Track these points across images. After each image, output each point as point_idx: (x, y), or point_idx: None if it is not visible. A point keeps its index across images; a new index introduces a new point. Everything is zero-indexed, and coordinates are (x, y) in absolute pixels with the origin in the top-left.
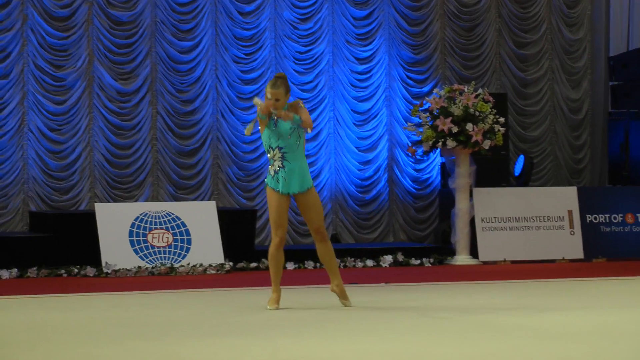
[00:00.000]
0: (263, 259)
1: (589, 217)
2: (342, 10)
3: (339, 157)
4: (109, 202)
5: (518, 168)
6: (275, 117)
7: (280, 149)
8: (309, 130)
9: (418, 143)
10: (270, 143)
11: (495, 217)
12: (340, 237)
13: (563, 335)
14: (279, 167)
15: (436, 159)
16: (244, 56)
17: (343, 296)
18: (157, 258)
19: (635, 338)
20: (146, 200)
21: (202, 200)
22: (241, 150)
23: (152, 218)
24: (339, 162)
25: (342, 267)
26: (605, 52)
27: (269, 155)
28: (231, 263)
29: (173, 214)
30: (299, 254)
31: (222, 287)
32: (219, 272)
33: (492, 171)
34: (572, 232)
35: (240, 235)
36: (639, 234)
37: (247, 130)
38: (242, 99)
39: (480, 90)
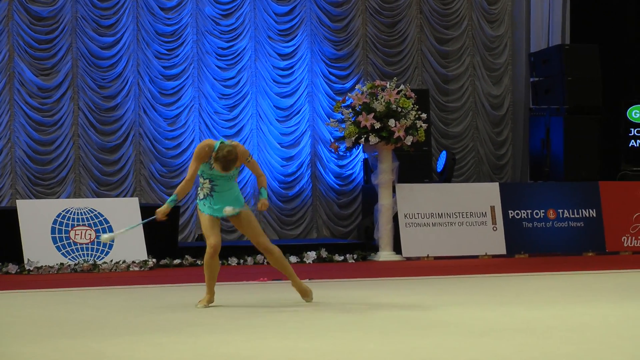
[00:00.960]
0: (186, 256)
1: (511, 213)
2: (264, 6)
3: (261, 153)
4: (30, 198)
5: (440, 164)
6: (212, 163)
7: (211, 181)
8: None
9: (341, 139)
10: (203, 174)
11: (418, 213)
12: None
13: (487, 331)
14: (207, 194)
15: (359, 155)
16: (166, 52)
17: (303, 293)
18: (79, 255)
19: (559, 333)
20: (68, 197)
21: (124, 196)
22: (164, 147)
23: (74, 215)
24: (262, 159)
25: (265, 263)
26: (526, 49)
27: (200, 180)
28: (154, 260)
29: (95, 211)
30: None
31: (145, 284)
32: (142, 268)
33: (415, 167)
34: (495, 228)
35: (163, 231)
36: (561, 230)
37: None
38: (164, 95)
39: (402, 87)
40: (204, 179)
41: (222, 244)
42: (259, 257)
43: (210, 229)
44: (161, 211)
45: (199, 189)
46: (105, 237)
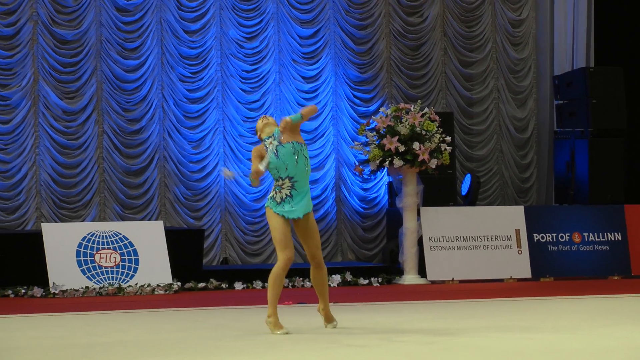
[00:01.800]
0: (211, 279)
1: (536, 236)
2: (288, 29)
3: None
4: (55, 221)
5: (465, 187)
6: (275, 148)
7: (290, 178)
8: (315, 109)
9: (365, 162)
10: (280, 174)
11: (442, 237)
12: None
13: (512, 355)
14: (286, 195)
15: (383, 178)
16: (190, 75)
17: (327, 319)
18: (104, 278)
19: (584, 357)
20: (93, 220)
21: (149, 219)
22: (188, 170)
23: (99, 238)
24: None
25: (290, 286)
26: (550, 71)
27: (276, 182)
28: (179, 283)
29: (120, 234)
30: (248, 273)
31: (170, 308)
32: (167, 292)
33: (439, 190)
34: (520, 252)
35: (188, 255)
36: (586, 253)
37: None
38: (189, 118)
39: (426, 109)
40: (282, 179)
41: (246, 267)
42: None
43: (284, 238)
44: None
45: (275, 192)
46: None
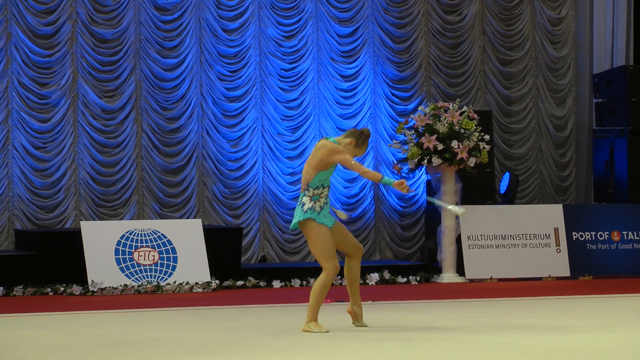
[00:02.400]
0: (249, 277)
1: (575, 235)
2: (327, 27)
3: None
4: (94, 220)
5: (504, 185)
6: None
7: (328, 188)
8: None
9: (403, 160)
10: (325, 183)
11: (481, 235)
12: None
13: (550, 353)
14: (324, 203)
15: (422, 176)
16: (229, 73)
17: (357, 317)
18: (143, 276)
19: (622, 356)
20: (132, 218)
21: (187, 218)
22: (226, 168)
23: (138, 236)
24: None
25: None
26: (590, 70)
27: (315, 191)
28: (217, 281)
29: (159, 232)
30: (286, 271)
31: (208, 305)
32: (206, 290)
33: (478, 189)
34: (559, 250)
35: (227, 253)
36: (625, 252)
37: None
38: (227, 117)
39: (465, 108)
40: (324, 188)
41: (284, 265)
42: None
43: (333, 248)
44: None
45: (313, 202)
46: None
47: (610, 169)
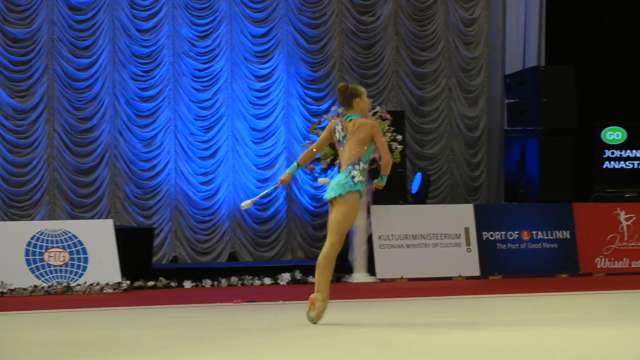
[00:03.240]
0: (161, 277)
1: (485, 235)
2: (241, 27)
3: (237, 174)
4: (4, 220)
5: (415, 186)
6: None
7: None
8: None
9: (316, 161)
10: (369, 158)
11: (392, 235)
12: (239, 255)
13: (461, 352)
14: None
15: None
16: (142, 73)
17: (317, 316)
18: (53, 277)
19: (533, 355)
20: (43, 219)
21: (99, 218)
22: (139, 168)
23: (48, 237)
24: (237, 180)
25: (240, 285)
26: (502, 70)
27: (364, 166)
28: (128, 282)
29: (70, 233)
30: (197, 272)
31: (119, 306)
32: (116, 290)
33: (389, 189)
34: (469, 250)
35: (138, 253)
36: (535, 251)
37: None
38: (140, 117)
39: (378, 108)
40: (365, 163)
41: (195, 266)
42: (233, 279)
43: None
44: (284, 180)
45: (362, 177)
46: (245, 203)
47: (521, 169)
